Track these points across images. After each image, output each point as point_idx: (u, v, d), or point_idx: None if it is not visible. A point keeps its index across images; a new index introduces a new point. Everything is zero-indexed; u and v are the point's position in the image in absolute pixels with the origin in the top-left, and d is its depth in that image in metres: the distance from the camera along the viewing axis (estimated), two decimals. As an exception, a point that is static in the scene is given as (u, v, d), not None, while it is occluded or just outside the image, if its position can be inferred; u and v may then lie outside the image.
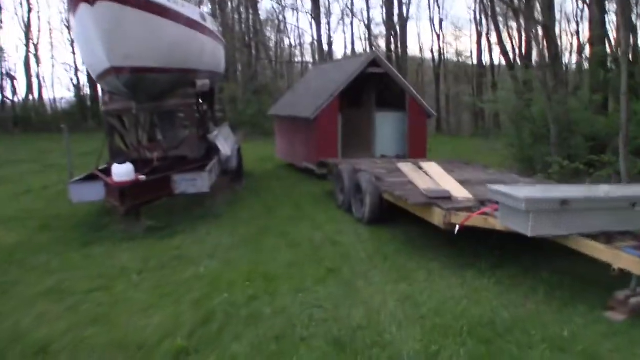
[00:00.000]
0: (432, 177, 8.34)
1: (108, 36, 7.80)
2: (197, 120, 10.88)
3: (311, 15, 31.81)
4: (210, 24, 11.32)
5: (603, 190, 5.95)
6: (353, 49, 37.61)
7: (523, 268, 6.17)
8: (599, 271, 5.13)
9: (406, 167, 9.16)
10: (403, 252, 7.00)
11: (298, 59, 40.25)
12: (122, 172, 8.19)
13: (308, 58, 38.83)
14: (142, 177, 8.49)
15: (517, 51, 32.76)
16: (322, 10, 33.33)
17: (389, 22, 33.13)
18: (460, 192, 7.10)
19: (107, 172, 8.75)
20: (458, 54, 39.54)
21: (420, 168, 9.23)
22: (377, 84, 14.77)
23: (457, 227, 6.23)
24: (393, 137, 14.32)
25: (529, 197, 5.16)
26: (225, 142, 11.02)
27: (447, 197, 6.82)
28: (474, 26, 43.18)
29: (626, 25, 10.40)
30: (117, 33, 7.82)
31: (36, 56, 36.04)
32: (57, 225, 9.05)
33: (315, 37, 32.27)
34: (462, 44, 56.83)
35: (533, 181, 8.43)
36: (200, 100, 11.42)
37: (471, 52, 44.43)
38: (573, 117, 11.83)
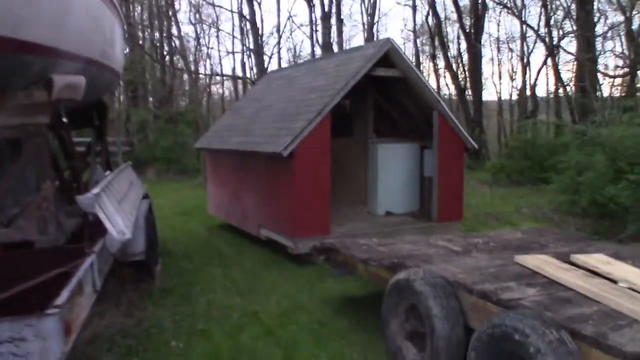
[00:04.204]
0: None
1: None
2: (53, 164, 4.94)
3: (246, 18, 25.64)
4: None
5: None
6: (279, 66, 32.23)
7: None
8: None
9: (579, 281, 3.74)
10: None
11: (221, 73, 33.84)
12: None
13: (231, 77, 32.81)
14: None
15: (467, 75, 29.76)
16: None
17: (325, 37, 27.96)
18: None
19: None
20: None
21: (600, 274, 3.92)
22: (375, 98, 9.54)
23: None
24: (403, 182, 9.01)
25: None
26: (117, 210, 5.01)
27: None
28: (409, 50, 39.27)
29: None
30: None
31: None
32: None
33: (252, 46, 26.12)
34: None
35: None
36: (65, 120, 5.44)
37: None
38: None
